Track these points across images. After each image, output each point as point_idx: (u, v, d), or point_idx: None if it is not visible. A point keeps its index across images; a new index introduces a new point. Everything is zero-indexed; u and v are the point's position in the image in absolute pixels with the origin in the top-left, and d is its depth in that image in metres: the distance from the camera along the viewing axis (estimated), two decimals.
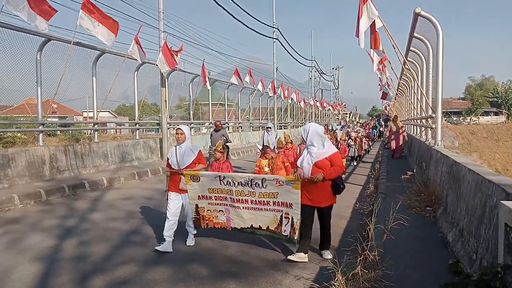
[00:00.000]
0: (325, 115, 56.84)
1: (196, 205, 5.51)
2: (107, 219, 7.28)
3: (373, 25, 9.54)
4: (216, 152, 6.57)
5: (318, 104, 46.32)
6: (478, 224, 4.09)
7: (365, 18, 9.35)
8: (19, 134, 15.11)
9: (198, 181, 5.38)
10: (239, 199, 5.24)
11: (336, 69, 71.18)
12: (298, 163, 5.03)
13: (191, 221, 5.67)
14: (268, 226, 5.18)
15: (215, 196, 5.42)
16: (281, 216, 5.06)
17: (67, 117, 32.32)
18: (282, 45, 32.60)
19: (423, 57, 12.36)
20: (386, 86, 20.66)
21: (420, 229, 5.80)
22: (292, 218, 4.98)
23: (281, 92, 29.68)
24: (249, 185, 5.08)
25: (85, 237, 6.16)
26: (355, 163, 16.14)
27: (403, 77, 17.98)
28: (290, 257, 4.95)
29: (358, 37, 9.46)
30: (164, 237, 5.46)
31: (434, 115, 9.62)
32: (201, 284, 4.39)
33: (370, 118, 69.16)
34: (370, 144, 23.85)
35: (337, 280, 3.74)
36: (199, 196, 5.47)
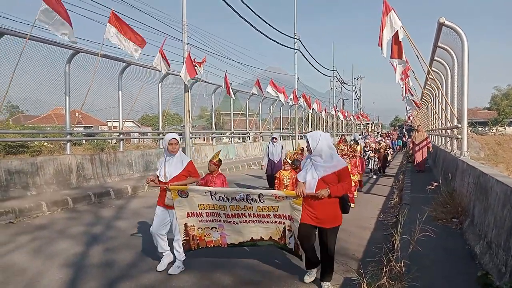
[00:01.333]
0: (346, 125, 56.43)
1: (185, 224, 4.85)
2: (132, 226, 7.39)
3: (396, 36, 9.50)
4: (211, 164, 6.01)
5: (339, 114, 46.01)
6: (507, 237, 4.00)
7: (388, 28, 9.33)
8: (45, 143, 15.54)
9: (187, 196, 4.71)
10: (234, 214, 4.67)
11: (358, 79, 70.76)
12: (300, 177, 4.40)
13: (178, 243, 4.99)
14: (270, 237, 4.73)
15: (206, 213, 4.79)
16: (284, 228, 4.61)
17: (92, 127, 33.07)
18: (303, 56, 32.67)
19: (447, 67, 12.21)
20: (409, 96, 20.41)
21: (447, 240, 5.69)
22: (294, 233, 4.50)
23: (303, 101, 29.64)
24: (245, 200, 4.53)
25: (111, 244, 6.28)
26: (374, 176, 15.53)
27: (427, 86, 17.75)
28: (306, 280, 4.63)
29: (381, 47, 9.44)
30: (161, 254, 5.14)
31: (459, 125, 9.48)
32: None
33: (393, 128, 68.24)
34: (392, 154, 23.27)
35: None
36: (188, 213, 4.81)
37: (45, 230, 7.09)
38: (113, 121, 25.84)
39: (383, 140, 21.08)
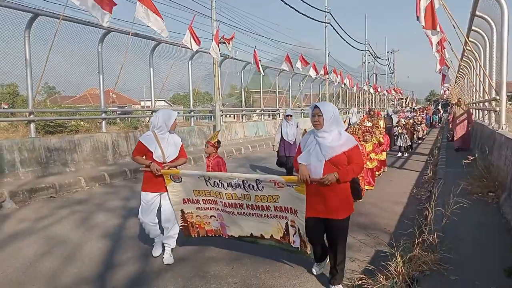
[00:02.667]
0: (379, 101, 55.20)
1: (182, 210, 4.50)
2: None
3: (431, 5, 9.14)
4: (208, 145, 5.39)
5: (372, 89, 45.00)
6: None
7: None
8: (82, 123, 16.03)
9: (180, 181, 4.33)
10: (231, 203, 4.17)
11: (391, 52, 68.68)
12: (302, 159, 3.69)
13: (174, 229, 4.62)
14: (272, 235, 4.13)
15: (203, 200, 4.36)
16: (287, 223, 3.98)
17: (125, 106, 33.80)
18: (334, 29, 32.01)
19: (485, 37, 11.65)
20: (446, 69, 19.67)
21: (482, 214, 5.55)
22: (299, 229, 3.88)
23: (334, 77, 29.11)
24: (241, 187, 3.98)
25: None
26: (405, 154, 14.18)
27: (464, 58, 17.02)
28: (315, 271, 4.19)
29: (418, 15, 9.15)
30: (162, 244, 4.78)
31: (498, 98, 9.11)
32: (256, 262, 4.50)
33: (428, 103, 66.23)
34: (425, 131, 21.70)
35: (394, 261, 3.70)
36: (184, 199, 4.44)
37: (84, 204, 7.40)
38: (146, 100, 26.30)
39: (416, 115, 20.28)
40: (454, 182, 7.10)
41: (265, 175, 3.82)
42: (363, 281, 3.75)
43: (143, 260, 4.66)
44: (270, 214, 4.02)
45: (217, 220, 4.44)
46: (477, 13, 10.19)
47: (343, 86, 33.04)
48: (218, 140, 5.48)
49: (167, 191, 4.43)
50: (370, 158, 8.32)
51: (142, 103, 34.45)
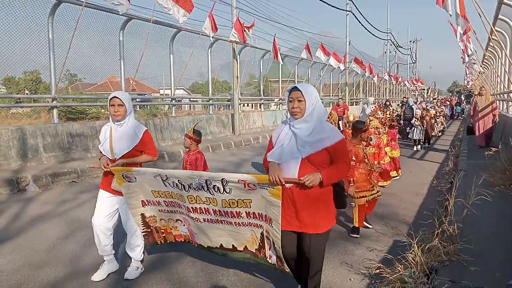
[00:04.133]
0: (400, 91, 54.32)
1: (142, 214, 3.74)
2: None
3: None
4: (186, 138, 4.82)
5: (393, 79, 44.27)
6: None
7: None
8: (102, 110, 16.27)
9: (135, 181, 3.55)
10: (195, 208, 3.39)
11: (414, 42, 67.29)
12: (273, 156, 2.97)
13: (134, 238, 3.85)
14: (246, 246, 3.36)
15: (165, 202, 3.61)
16: (262, 233, 3.22)
17: (145, 94, 34.14)
18: (356, 18, 31.35)
19: None
20: (470, 59, 19.19)
21: (504, 206, 5.44)
22: (274, 243, 3.11)
23: (355, 65, 28.70)
24: (205, 189, 3.21)
25: None
26: (419, 148, 13.25)
27: (489, 48, 16.57)
28: None
29: (441, 5, 8.95)
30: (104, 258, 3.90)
31: None
32: None
33: (451, 94, 64.87)
34: (444, 124, 20.47)
35: (412, 251, 3.67)
36: (143, 201, 3.68)
37: None
38: (165, 89, 26.49)
39: (436, 106, 19.63)
40: (476, 174, 6.97)
41: (233, 174, 3.14)
42: (381, 270, 3.74)
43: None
44: (242, 222, 3.26)
45: (184, 225, 3.68)
46: (505, 0, 9.87)
47: (366, 74, 32.42)
48: (197, 131, 4.84)
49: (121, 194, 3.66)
50: (385, 153, 7.38)
51: (162, 91, 34.75)
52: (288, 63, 24.00)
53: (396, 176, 8.42)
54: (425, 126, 13.44)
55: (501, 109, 16.20)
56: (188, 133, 4.83)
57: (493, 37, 11.96)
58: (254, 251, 3.33)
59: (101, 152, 3.75)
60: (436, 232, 4.04)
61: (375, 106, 13.56)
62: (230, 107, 18.41)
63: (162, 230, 3.81)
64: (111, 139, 3.66)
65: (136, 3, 11.28)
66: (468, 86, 42.49)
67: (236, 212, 3.23)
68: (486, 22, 9.98)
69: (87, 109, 14.53)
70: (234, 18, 14.68)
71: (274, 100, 24.34)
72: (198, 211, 3.39)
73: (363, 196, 5.09)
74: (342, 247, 4.62)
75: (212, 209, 3.31)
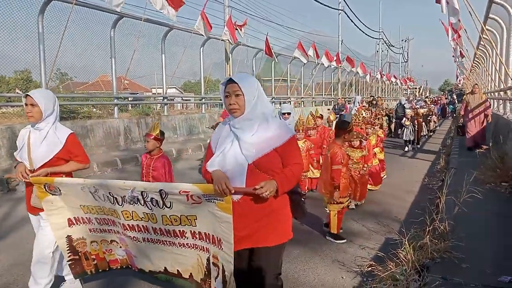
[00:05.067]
0: (392, 90, 54.60)
1: (69, 237, 3.05)
2: None
3: None
4: (148, 139, 4.15)
5: (385, 78, 44.49)
6: None
7: None
8: (94, 110, 16.19)
9: (59, 193, 2.92)
10: (132, 225, 2.78)
11: (405, 41, 67.70)
12: (213, 165, 2.44)
13: (61, 264, 3.37)
14: (191, 274, 2.76)
15: (97, 219, 2.95)
16: (208, 259, 2.62)
17: (137, 93, 33.97)
18: (348, 17, 31.55)
19: (503, 24, 11.42)
20: (461, 58, 19.35)
21: (495, 204, 5.48)
22: (223, 269, 2.50)
23: (347, 65, 28.79)
24: (141, 202, 2.62)
25: None
26: (410, 148, 12.69)
27: (480, 47, 16.71)
28: None
29: (440, 3, 9.04)
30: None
31: None
32: None
33: (442, 93, 65.34)
34: (437, 123, 19.88)
35: (404, 248, 3.68)
36: (69, 220, 3.02)
37: None
38: (157, 88, 26.38)
39: (426, 105, 19.28)
40: (467, 172, 7.01)
41: (174, 183, 2.72)
42: (372, 267, 3.75)
43: None
44: (187, 243, 2.67)
45: (120, 247, 3.02)
46: None
47: (359, 72, 32.50)
48: (161, 131, 4.22)
49: (42, 208, 3.02)
50: (374, 154, 7.14)
51: (154, 90, 34.60)
52: (281, 62, 23.99)
53: (384, 176, 7.92)
54: (416, 127, 13.02)
55: (491, 107, 16.34)
56: (151, 132, 4.13)
57: (484, 36, 12.05)
58: (199, 281, 2.70)
59: (17, 159, 3.19)
60: (427, 230, 4.05)
61: (359, 105, 13.49)
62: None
63: (93, 256, 3.10)
64: (29, 146, 3.11)
65: (128, 1, 11.21)
66: (459, 85, 42.83)
67: (180, 231, 2.63)
68: (477, 21, 10.06)
69: (79, 108, 14.41)
70: (227, 16, 14.65)
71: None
72: (136, 229, 2.77)
73: (340, 202, 4.75)
74: (334, 245, 4.63)
75: (152, 227, 2.70)
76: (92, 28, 11.76)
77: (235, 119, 2.41)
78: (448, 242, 3.78)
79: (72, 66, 12.95)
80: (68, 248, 3.07)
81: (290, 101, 24.86)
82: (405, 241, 3.76)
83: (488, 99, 11.55)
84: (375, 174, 7.14)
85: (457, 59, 19.56)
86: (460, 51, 17.86)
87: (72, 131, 3.27)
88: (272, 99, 22.85)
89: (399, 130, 14.03)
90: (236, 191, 2.33)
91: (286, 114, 7.20)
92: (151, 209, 2.63)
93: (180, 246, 2.71)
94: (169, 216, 2.60)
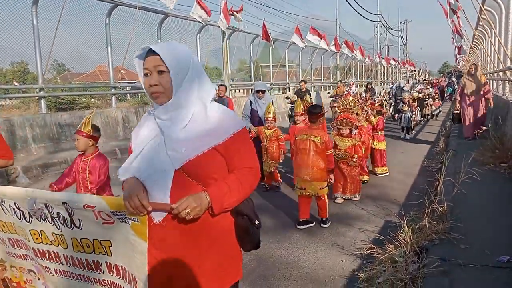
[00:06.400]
0: (391, 73, 54.33)
1: None
2: None
3: None
4: (80, 136, 3.45)
5: (384, 61, 44.20)
6: None
7: None
8: (92, 100, 16.14)
9: None
10: (43, 251, 2.02)
11: (404, 23, 67.10)
12: (127, 170, 1.72)
13: None
14: None
15: (9, 239, 2.19)
16: None
17: (135, 82, 33.85)
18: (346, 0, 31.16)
19: (501, 4, 11.31)
20: (460, 39, 19.17)
21: (494, 185, 5.50)
22: None
23: (346, 48, 28.55)
24: (48, 218, 1.89)
25: None
26: (407, 136, 11.74)
27: (478, 28, 16.56)
28: None
29: None
30: None
31: None
32: (266, 233, 4.55)
33: (441, 75, 65.06)
34: (436, 107, 18.03)
35: (403, 231, 3.70)
36: None
37: None
38: None
39: (423, 88, 18.33)
40: (466, 153, 7.01)
41: (78, 195, 1.88)
42: (372, 250, 3.77)
43: None
44: (104, 280, 1.91)
45: (39, 279, 2.21)
46: None
47: (357, 56, 32.24)
48: (94, 126, 3.51)
49: None
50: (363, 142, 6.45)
51: None
52: (278, 47, 23.82)
53: (386, 173, 7.32)
54: (414, 113, 12.48)
55: (491, 89, 16.21)
56: (81, 129, 3.40)
57: (482, 16, 11.94)
58: None
59: None
60: (426, 212, 4.07)
61: (347, 91, 13.15)
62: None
63: (14, 284, 2.32)
64: None
65: None
66: (459, 66, 42.56)
67: (94, 262, 1.88)
68: (476, 1, 9.96)
69: (77, 98, 14.38)
70: (222, 2, 14.48)
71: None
72: (47, 256, 2.01)
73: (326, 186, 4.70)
74: (334, 229, 4.65)
75: (63, 255, 1.95)
76: (87, 18, 11.67)
77: (159, 107, 1.70)
78: (446, 224, 3.80)
79: (68, 57, 12.88)
80: None
81: (289, 87, 24.79)
82: (404, 223, 3.77)
83: (488, 82, 10.14)
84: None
85: (456, 41, 19.37)
86: (459, 31, 17.69)
87: None
88: (270, 85, 22.75)
89: (396, 115, 13.37)
90: (154, 208, 1.62)
91: (260, 92, 6.62)
92: (59, 229, 1.88)
93: (96, 284, 1.92)
94: (80, 239, 1.85)
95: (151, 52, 1.66)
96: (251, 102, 6.76)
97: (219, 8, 14.80)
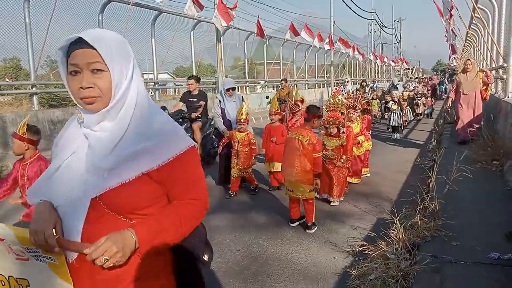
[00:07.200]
0: (385, 71, 54.49)
1: None
2: None
3: None
4: (16, 139, 3.26)
5: (378, 59, 44.32)
6: None
7: None
8: None
9: None
10: None
11: (398, 21, 67.23)
12: (36, 193, 1.37)
13: None
14: None
15: None
16: None
17: None
18: None
19: (494, 2, 11.36)
20: (453, 37, 19.27)
21: (486, 182, 5.53)
22: None
23: (340, 46, 28.57)
24: None
25: None
26: (397, 136, 11.16)
27: (472, 26, 16.65)
28: None
29: None
30: None
31: (505, 65, 8.96)
32: (259, 231, 4.55)
33: (435, 73, 65.32)
34: (428, 106, 17.34)
35: (395, 228, 3.72)
36: None
37: None
38: (148, 73, 26.17)
39: (417, 87, 18.00)
40: (458, 150, 7.06)
41: None
42: (364, 247, 3.78)
43: None
44: None
45: None
46: None
47: (351, 53, 32.27)
48: (32, 127, 3.31)
49: None
50: (358, 143, 6.46)
51: (145, 76, 34.34)
52: (273, 44, 23.81)
53: (366, 174, 7.01)
54: (404, 112, 12.07)
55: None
56: (18, 132, 3.18)
57: (475, 15, 12.01)
58: None
59: None
60: (418, 209, 4.09)
61: (336, 89, 12.98)
62: (216, 90, 18.26)
63: None
64: None
65: None
66: (452, 65, 42.74)
67: None
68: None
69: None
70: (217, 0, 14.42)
71: (260, 83, 24.23)
72: None
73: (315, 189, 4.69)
74: (326, 226, 4.67)
75: None
76: (80, 13, 11.57)
77: (91, 114, 1.31)
78: (438, 221, 3.83)
79: None
80: None
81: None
82: (396, 220, 3.79)
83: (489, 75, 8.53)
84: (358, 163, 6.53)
85: (450, 39, 19.46)
86: (452, 29, 17.77)
87: None
88: (264, 82, 22.75)
89: (386, 114, 12.87)
90: (66, 248, 1.28)
91: (230, 90, 6.27)
92: None
93: None
94: None
95: (81, 43, 1.26)
96: (219, 101, 6.36)
97: (213, 5, 14.73)
